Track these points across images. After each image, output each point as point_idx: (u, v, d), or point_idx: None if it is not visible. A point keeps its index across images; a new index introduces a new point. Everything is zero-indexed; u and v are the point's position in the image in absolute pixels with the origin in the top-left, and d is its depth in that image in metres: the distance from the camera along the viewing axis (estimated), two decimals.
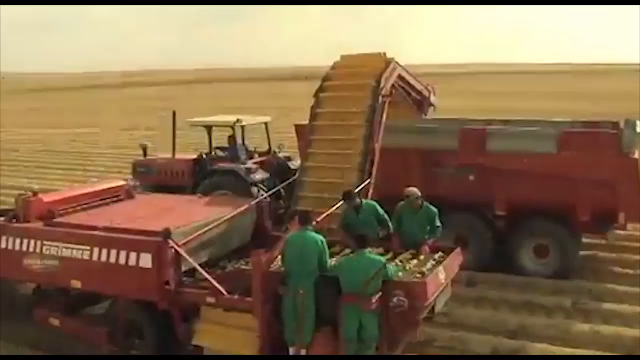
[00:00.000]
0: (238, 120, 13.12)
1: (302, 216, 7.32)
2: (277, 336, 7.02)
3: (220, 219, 8.28)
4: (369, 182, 9.36)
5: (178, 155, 14.09)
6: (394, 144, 11.11)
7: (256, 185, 12.36)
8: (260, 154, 13.88)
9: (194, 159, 13.68)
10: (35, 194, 8.73)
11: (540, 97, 47.41)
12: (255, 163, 13.02)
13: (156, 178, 13.86)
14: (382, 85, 9.87)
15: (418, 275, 7.05)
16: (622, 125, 10.60)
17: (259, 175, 12.60)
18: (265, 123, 14.12)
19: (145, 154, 14.63)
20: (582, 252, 11.44)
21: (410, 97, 11.31)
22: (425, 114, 11.92)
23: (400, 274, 7.07)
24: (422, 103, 11.70)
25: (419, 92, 11.45)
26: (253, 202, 9.13)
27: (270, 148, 14.07)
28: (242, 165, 12.69)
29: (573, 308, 9.54)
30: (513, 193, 10.64)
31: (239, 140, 13.70)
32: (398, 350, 7.25)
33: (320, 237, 7.02)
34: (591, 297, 9.93)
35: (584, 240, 11.45)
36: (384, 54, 10.66)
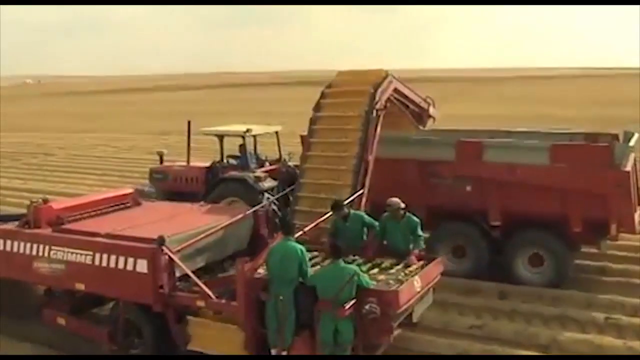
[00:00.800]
0: (248, 130, 13.61)
1: (285, 227, 7.76)
2: (261, 338, 7.48)
3: (216, 227, 8.77)
4: (362, 193, 9.72)
5: (193, 163, 14.66)
6: (395, 155, 11.53)
7: (264, 193, 12.80)
8: (271, 163, 14.33)
9: (207, 167, 14.20)
10: (45, 201, 9.35)
11: (574, 104, 47.13)
12: (264, 171, 13.46)
13: (171, 185, 14.43)
14: (377, 98, 10.23)
15: (391, 283, 7.42)
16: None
17: (268, 183, 13.02)
18: (276, 132, 14.57)
19: (161, 161, 15.23)
20: (614, 266, 11.51)
21: (408, 110, 11.61)
22: (424, 126, 12.21)
23: (373, 283, 7.44)
24: (421, 115, 12.00)
25: (417, 105, 11.75)
26: (249, 211, 9.59)
27: (280, 156, 14.51)
28: (251, 174, 13.15)
29: (606, 323, 9.43)
30: (508, 204, 10.88)
31: (251, 149, 14.19)
32: (377, 353, 7.65)
33: (300, 247, 7.44)
34: (624, 312, 9.82)
35: (619, 253, 11.59)
36: (385, 71, 11.02)
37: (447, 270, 11.26)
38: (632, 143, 10.51)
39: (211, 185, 13.57)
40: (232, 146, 14.44)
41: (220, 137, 14.30)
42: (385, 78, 10.67)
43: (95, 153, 30.76)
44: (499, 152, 10.91)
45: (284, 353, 7.31)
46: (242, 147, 13.92)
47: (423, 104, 11.90)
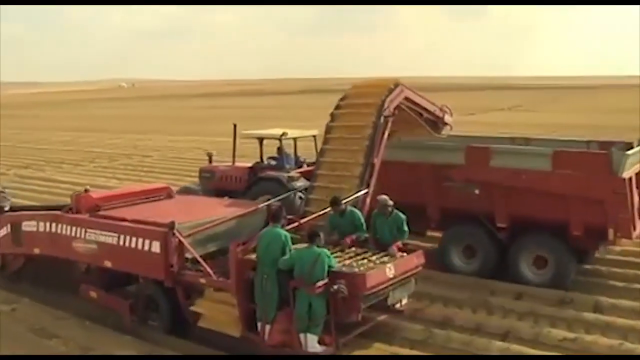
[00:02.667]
0: (284, 133, 14.74)
1: (274, 215, 8.77)
2: (251, 312, 8.50)
3: (228, 217, 9.89)
4: (367, 192, 10.53)
5: (237, 163, 15.93)
6: (412, 159, 12.35)
7: (296, 192, 13.82)
8: (309, 164, 15.34)
9: (249, 167, 15.42)
10: (86, 191, 10.78)
11: None
12: (299, 172, 14.49)
13: (218, 183, 15.72)
14: (386, 105, 11.04)
15: (362, 269, 8.27)
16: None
17: (300, 182, 14.02)
18: (314, 136, 15.57)
19: (210, 161, 16.58)
20: None
21: (422, 118, 12.29)
22: (439, 133, 12.84)
23: (340, 265, 8.36)
24: (435, 123, 12.64)
25: (432, 113, 12.40)
26: (262, 205, 10.65)
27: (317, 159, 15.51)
28: (285, 174, 14.24)
29: None
30: (513, 207, 11.40)
31: (291, 151, 15.31)
32: (351, 335, 8.55)
33: (285, 233, 8.43)
34: None
35: None
36: (397, 79, 11.80)
37: (458, 269, 12.08)
38: (632, 151, 10.82)
39: (249, 183, 14.77)
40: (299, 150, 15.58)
41: (260, 139, 15.50)
42: (395, 87, 11.43)
43: (190, 155, 31.51)
44: (505, 157, 11.45)
45: (268, 326, 8.30)
46: (279, 149, 15.05)
47: (438, 112, 12.51)
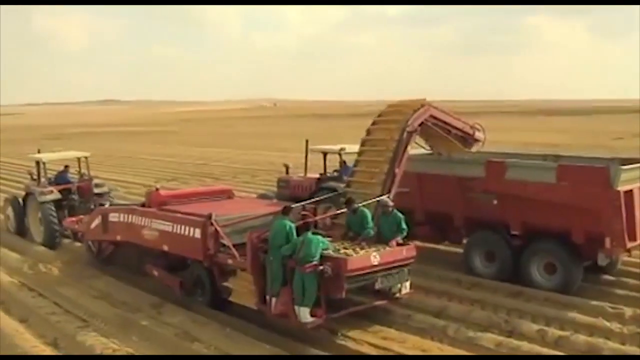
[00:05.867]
0: (342, 148, 16.61)
1: (284, 210, 10.65)
2: (263, 288, 10.41)
3: (262, 215, 11.86)
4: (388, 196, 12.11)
5: (309, 175, 17.95)
6: (440, 171, 13.83)
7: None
8: None
9: (317, 178, 17.39)
10: (157, 189, 13.22)
11: None
12: None
13: (291, 192, 17.78)
14: (409, 122, 12.60)
15: (348, 254, 9.96)
16: None
17: None
18: None
19: (287, 172, 18.70)
20: None
21: (450, 135, 13.65)
22: (469, 149, 14.08)
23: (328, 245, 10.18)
24: (465, 139, 13.92)
25: (461, 130, 13.72)
26: (294, 206, 12.54)
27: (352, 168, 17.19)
28: (342, 184, 16.05)
29: None
30: (525, 216, 12.55)
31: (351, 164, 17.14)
32: (341, 313, 10.27)
33: (290, 224, 10.26)
34: None
35: None
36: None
37: (480, 272, 13.32)
38: (629, 167, 11.66)
39: (311, 193, 16.71)
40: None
41: (324, 153, 17.45)
42: (421, 107, 12.96)
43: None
44: (518, 171, 12.62)
45: (274, 299, 10.17)
46: (341, 162, 16.92)
47: (467, 129, 13.81)
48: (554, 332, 10.30)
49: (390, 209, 11.13)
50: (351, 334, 10.42)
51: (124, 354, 9.89)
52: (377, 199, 11.81)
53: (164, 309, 11.83)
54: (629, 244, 11.51)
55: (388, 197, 11.57)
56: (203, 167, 37.32)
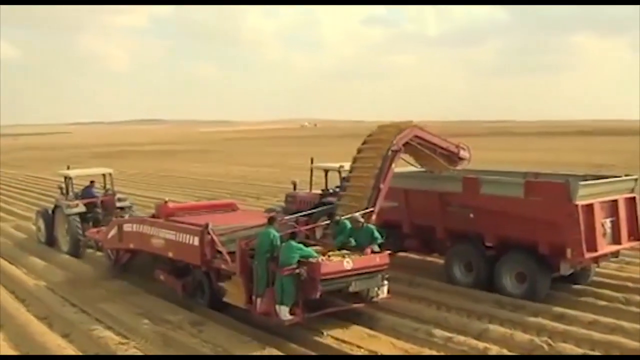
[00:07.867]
0: (341, 166, 17.92)
1: (269, 219, 11.99)
2: (251, 289, 11.72)
3: (255, 225, 13.17)
4: (372, 210, 13.32)
5: (313, 191, 19.28)
6: (424, 187, 15.04)
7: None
8: None
9: (320, 194, 18.69)
10: (166, 202, 14.72)
11: None
12: None
13: (297, 206, 19.04)
14: (394, 142, 13.83)
15: (320, 260, 11.24)
16: None
17: None
18: None
19: (294, 188, 20.05)
20: None
21: (436, 153, 14.79)
22: (454, 167, 15.18)
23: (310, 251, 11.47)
24: (450, 157, 15.05)
25: (444, 149, 14.86)
26: (287, 217, 13.89)
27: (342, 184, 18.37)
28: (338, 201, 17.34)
29: None
30: (498, 229, 13.65)
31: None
32: (317, 313, 11.51)
33: (274, 232, 11.56)
34: None
35: None
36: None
37: (459, 281, 14.42)
38: (588, 182, 12.73)
39: (314, 207, 18.01)
40: None
41: (325, 171, 18.79)
42: (407, 127, 14.17)
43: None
44: (491, 186, 13.76)
45: (259, 299, 11.48)
46: (341, 178, 18.21)
47: (452, 148, 14.93)
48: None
49: (360, 223, 12.38)
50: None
51: None
52: (349, 216, 12.92)
53: (204, 327, 12.02)
54: (587, 255, 12.49)
55: (356, 214, 12.75)
56: (246, 187, 37.89)
